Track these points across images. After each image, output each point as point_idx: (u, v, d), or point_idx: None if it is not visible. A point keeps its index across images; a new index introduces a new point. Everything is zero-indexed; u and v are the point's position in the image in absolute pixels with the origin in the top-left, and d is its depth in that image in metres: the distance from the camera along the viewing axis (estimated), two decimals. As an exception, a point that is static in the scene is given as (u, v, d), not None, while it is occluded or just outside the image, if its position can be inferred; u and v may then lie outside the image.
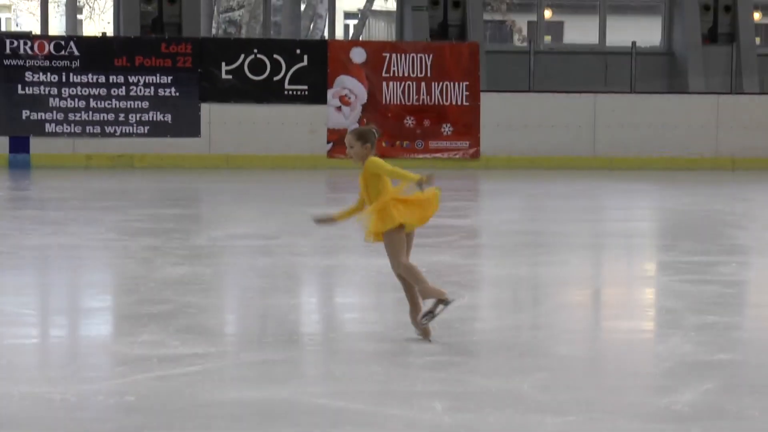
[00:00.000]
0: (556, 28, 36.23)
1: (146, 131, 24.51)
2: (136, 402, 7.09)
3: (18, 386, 7.43)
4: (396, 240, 8.24)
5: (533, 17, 31.39)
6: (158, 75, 24.56)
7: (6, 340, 9.04)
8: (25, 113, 24.16)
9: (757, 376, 8.10)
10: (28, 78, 24.21)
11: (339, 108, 25.03)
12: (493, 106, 25.59)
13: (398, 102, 25.25)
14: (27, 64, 24.25)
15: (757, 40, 30.49)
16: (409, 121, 25.19)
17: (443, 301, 8.19)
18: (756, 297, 11.76)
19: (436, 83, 25.40)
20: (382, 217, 8.19)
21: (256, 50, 25.02)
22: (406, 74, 25.33)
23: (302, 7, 33.78)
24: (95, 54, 24.52)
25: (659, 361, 8.51)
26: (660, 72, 29.25)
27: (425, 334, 8.43)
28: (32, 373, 7.96)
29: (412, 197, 8.26)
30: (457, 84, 25.44)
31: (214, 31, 31.65)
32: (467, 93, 25.44)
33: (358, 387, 7.44)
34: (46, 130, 24.25)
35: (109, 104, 24.39)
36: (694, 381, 7.74)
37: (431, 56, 25.48)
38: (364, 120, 24.79)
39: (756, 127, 25.96)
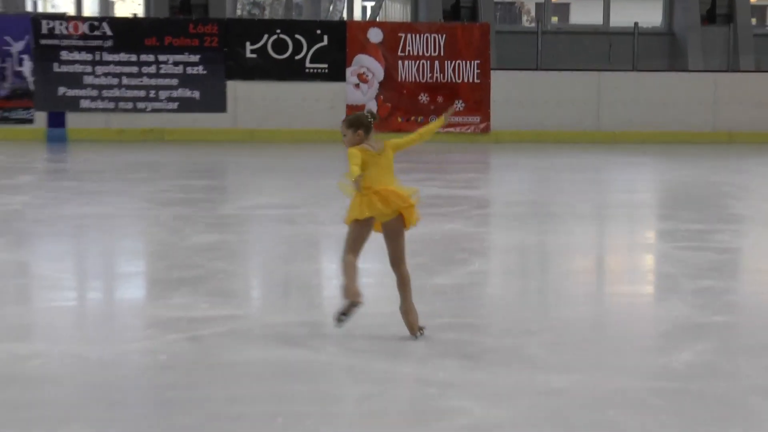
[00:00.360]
0: (563, 10, 36.16)
1: (176, 107, 24.54)
2: (168, 360, 7.15)
3: (57, 346, 7.50)
4: (355, 233, 7.65)
5: (541, -1, 31.32)
6: (186, 54, 24.57)
7: (46, 304, 9.12)
8: (61, 90, 24.21)
9: (750, 337, 8.14)
10: (64, 57, 24.24)
11: (357, 85, 25.03)
12: (503, 84, 25.57)
13: (413, 79, 25.23)
14: (62, 44, 24.27)
15: (753, 20, 30.40)
16: (424, 98, 25.18)
17: (354, 304, 7.58)
18: (750, 263, 11.79)
19: (449, 62, 25.37)
20: (353, 205, 7.71)
21: (278, 31, 25.01)
22: (420, 53, 25.30)
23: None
24: (127, 34, 24.54)
25: (658, 323, 8.55)
26: (661, 51, 29.19)
27: (412, 331, 7.74)
28: (71, 334, 8.03)
29: (392, 189, 7.67)
30: (468, 62, 25.40)
31: (239, 12, 31.64)
32: (478, 71, 25.41)
33: (375, 347, 7.50)
34: (82, 106, 24.30)
35: (140, 82, 24.41)
36: (691, 342, 7.78)
37: (444, 36, 25.44)
38: (381, 97, 24.82)
39: (752, 103, 25.92)
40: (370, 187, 7.62)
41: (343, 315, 7.57)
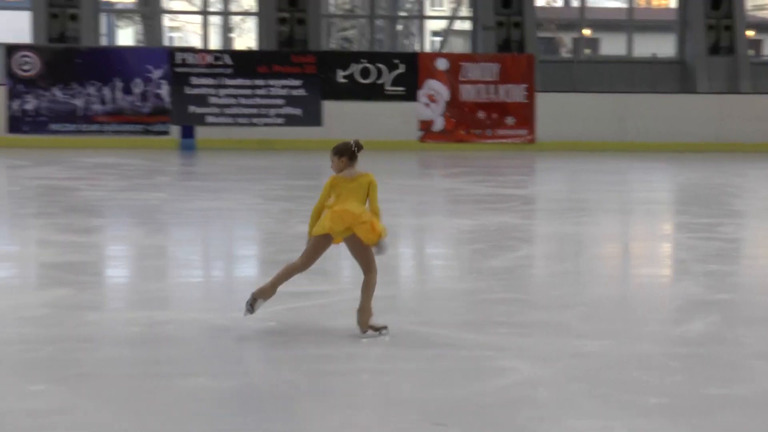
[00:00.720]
0: (594, 43, 35.84)
1: (282, 122, 24.61)
2: (275, 326, 7.14)
3: (188, 314, 7.52)
4: (311, 245, 7.00)
5: (576, 35, 31.08)
6: (290, 79, 24.63)
7: (179, 279, 9.16)
8: (191, 108, 24.35)
9: (749, 311, 8.01)
10: (193, 82, 24.38)
11: (427, 104, 24.97)
12: (545, 103, 25.40)
13: (472, 100, 25.13)
14: (192, 71, 24.41)
15: (751, 52, 30.00)
16: (481, 114, 25.08)
17: (258, 300, 6.86)
18: (749, 250, 11.62)
19: (501, 85, 25.25)
20: (318, 223, 6.98)
21: (364, 60, 25.02)
22: (478, 78, 25.19)
23: (399, 27, 33.70)
24: (243, 63, 24.64)
25: (674, 300, 8.43)
26: (674, 76, 28.88)
27: (362, 328, 6.91)
28: (198, 304, 8.05)
29: (346, 208, 6.87)
30: (517, 86, 25.27)
31: (332, 45, 31.65)
32: (525, 93, 25.27)
33: (442, 317, 7.45)
34: (207, 121, 24.43)
35: (254, 101, 24.51)
36: (701, 315, 7.66)
37: (497, 65, 25.32)
38: (447, 114, 24.75)
39: (749, 119, 25.59)
40: (331, 207, 6.93)
41: (251, 306, 6.88)
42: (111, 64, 24.45)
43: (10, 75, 24.15)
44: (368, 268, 6.97)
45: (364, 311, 6.94)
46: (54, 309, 7.60)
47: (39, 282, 9.04)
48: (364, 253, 6.95)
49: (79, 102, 24.32)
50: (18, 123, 24.20)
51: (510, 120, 25.19)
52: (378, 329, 6.92)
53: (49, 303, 7.80)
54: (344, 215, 6.86)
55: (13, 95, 24.15)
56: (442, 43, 36.19)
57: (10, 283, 8.93)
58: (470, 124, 25.06)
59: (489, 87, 25.27)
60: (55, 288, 8.43)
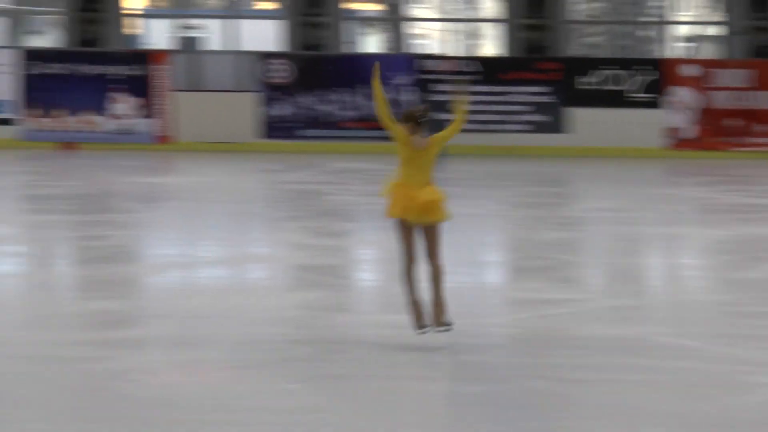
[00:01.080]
0: None
1: (527, 128, 24.55)
2: (521, 333, 7.12)
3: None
4: (402, 236, 6.82)
5: (835, 38, 29.76)
6: (535, 86, 24.53)
7: (425, 284, 9.21)
8: (436, 115, 24.59)
9: None
10: (439, 88, 24.62)
11: (675, 112, 24.43)
12: (801, 110, 24.43)
13: (723, 107, 24.42)
14: (438, 78, 24.66)
15: None
16: (732, 122, 24.34)
17: (427, 327, 6.69)
18: None
19: (754, 92, 24.44)
20: (391, 202, 6.96)
21: (609, 66, 24.68)
22: (730, 85, 24.47)
23: (651, 33, 33.15)
24: (489, 70, 24.72)
25: None
26: None
27: (438, 323, 6.68)
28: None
29: (420, 201, 6.80)
30: (771, 92, 24.40)
31: (576, 51, 31.36)
32: (780, 99, 24.37)
33: (694, 329, 7.27)
34: (452, 128, 24.63)
35: (499, 108, 24.55)
36: None
37: (751, 71, 24.52)
38: (696, 121, 24.14)
39: None
40: (403, 185, 6.95)
41: (424, 329, 6.71)
42: (357, 71, 24.95)
43: (263, 82, 25.02)
44: (434, 251, 6.70)
45: (436, 305, 6.68)
46: (306, 310, 7.81)
47: (291, 284, 9.31)
48: (432, 234, 6.72)
49: (327, 108, 24.96)
50: (271, 129, 25.03)
51: (763, 128, 24.35)
52: (446, 325, 6.66)
53: (301, 305, 8.02)
54: (412, 210, 6.73)
55: (266, 102, 25.00)
56: (694, 48, 35.38)
57: (264, 284, 9.24)
58: (720, 131, 24.34)
59: (741, 94, 24.50)
60: (306, 290, 8.66)
